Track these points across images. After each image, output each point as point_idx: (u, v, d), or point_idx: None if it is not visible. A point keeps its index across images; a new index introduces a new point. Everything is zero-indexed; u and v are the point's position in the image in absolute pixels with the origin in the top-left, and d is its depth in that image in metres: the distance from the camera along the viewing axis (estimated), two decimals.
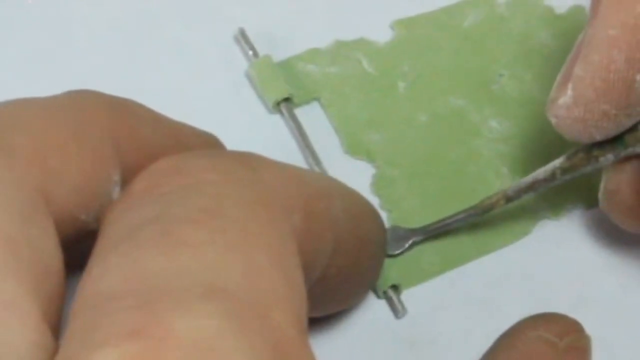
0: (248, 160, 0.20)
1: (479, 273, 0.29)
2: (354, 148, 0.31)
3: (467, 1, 0.34)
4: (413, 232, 0.29)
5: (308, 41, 0.32)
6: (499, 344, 0.27)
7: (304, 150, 0.31)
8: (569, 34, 0.33)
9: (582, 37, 0.25)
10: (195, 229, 0.17)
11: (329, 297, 0.25)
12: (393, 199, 0.30)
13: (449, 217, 0.29)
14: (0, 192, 0.17)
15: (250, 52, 0.32)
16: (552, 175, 0.27)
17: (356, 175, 0.30)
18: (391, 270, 0.29)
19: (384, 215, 0.29)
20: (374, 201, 0.30)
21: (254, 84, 0.32)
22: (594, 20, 0.24)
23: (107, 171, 0.20)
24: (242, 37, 0.32)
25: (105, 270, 0.16)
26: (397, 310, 0.28)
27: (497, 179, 0.31)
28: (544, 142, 0.31)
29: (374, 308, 0.29)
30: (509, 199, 0.28)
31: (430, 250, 0.29)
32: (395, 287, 0.29)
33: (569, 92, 0.25)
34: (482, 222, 0.30)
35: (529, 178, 0.28)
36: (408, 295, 0.29)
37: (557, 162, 0.27)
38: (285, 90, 0.31)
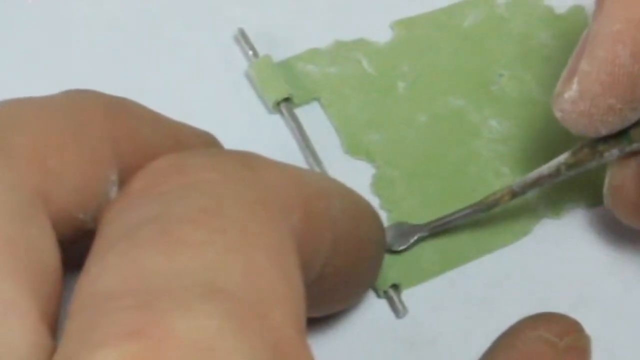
0: (248, 160, 0.20)
1: (479, 273, 0.29)
2: (354, 148, 0.31)
3: (467, 1, 0.34)
4: (418, 227, 0.29)
5: (308, 41, 0.32)
6: (498, 344, 0.27)
7: (304, 150, 0.31)
8: (569, 34, 0.33)
9: (587, 33, 0.25)
10: (195, 228, 0.17)
11: (328, 296, 0.25)
12: (393, 199, 0.30)
13: (454, 213, 0.29)
14: (0, 192, 0.17)
15: (250, 52, 0.32)
16: (557, 171, 0.27)
17: (356, 175, 0.30)
18: (391, 269, 0.29)
19: (384, 215, 0.29)
20: (374, 201, 0.30)
21: (253, 84, 0.32)
22: (599, 16, 0.25)
23: (105, 171, 0.20)
24: (242, 37, 0.32)
25: (103, 269, 0.16)
26: (397, 310, 0.28)
27: (497, 179, 0.31)
28: (544, 142, 0.31)
29: (374, 308, 0.29)
30: (514, 195, 0.28)
31: (430, 250, 0.29)
32: (396, 287, 0.29)
33: (575, 86, 0.25)
34: (483, 221, 0.30)
35: (534, 174, 0.28)
36: (408, 295, 0.29)
37: (562, 158, 0.27)
38: (285, 90, 0.31)
